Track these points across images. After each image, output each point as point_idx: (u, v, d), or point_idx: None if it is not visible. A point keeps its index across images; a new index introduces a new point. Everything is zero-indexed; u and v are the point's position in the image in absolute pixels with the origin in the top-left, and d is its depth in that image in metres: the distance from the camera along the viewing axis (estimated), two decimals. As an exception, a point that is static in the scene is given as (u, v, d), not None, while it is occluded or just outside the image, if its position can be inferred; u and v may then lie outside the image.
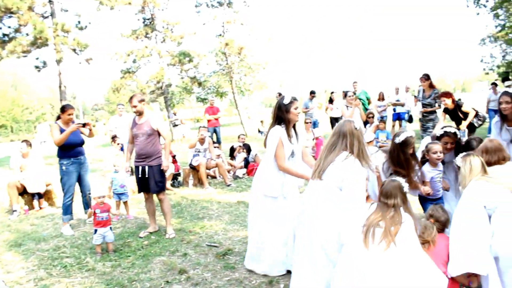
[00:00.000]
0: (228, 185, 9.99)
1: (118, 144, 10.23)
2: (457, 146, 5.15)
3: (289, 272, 4.54)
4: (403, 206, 3.58)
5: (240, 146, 11.88)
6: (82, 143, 7.14)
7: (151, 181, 6.50)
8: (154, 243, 6.18)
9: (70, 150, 6.93)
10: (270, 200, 4.67)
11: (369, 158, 3.94)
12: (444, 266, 3.66)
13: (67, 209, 7.02)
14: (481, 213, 3.53)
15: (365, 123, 12.46)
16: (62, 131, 6.84)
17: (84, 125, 6.91)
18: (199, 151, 10.40)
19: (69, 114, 6.94)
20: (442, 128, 5.32)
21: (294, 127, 4.85)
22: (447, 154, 5.28)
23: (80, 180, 7.23)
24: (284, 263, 4.67)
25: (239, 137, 12.71)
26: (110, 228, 5.97)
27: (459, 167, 4.04)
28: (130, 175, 8.68)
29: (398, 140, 4.55)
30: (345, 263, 3.49)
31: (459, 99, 8.81)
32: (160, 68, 24.94)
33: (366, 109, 13.40)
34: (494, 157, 4.14)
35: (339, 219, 3.73)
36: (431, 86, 9.46)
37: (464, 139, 8.23)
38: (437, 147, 4.86)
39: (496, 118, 5.49)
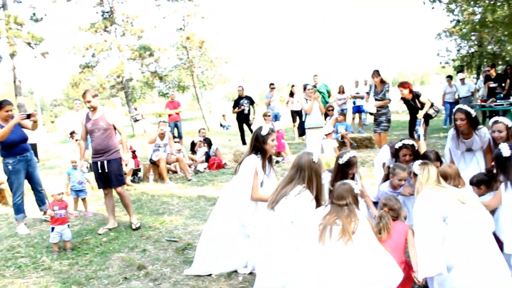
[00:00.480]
0: (189, 180, 9.94)
1: (76, 140, 10.00)
2: (416, 157, 5.21)
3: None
4: (355, 205, 3.69)
5: (201, 140, 11.83)
6: (25, 139, 6.90)
7: (111, 175, 6.46)
8: (113, 239, 6.11)
9: (13, 148, 6.66)
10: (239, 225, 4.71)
11: (323, 194, 4.09)
12: (402, 253, 3.79)
13: (19, 208, 6.83)
14: (434, 220, 3.64)
15: (325, 115, 12.64)
16: (1, 127, 6.60)
17: (28, 116, 6.67)
18: (159, 146, 10.30)
19: (7, 111, 6.65)
20: (401, 141, 5.49)
21: (270, 158, 4.87)
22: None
23: (29, 177, 7.02)
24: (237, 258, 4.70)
25: (199, 131, 12.67)
26: (68, 225, 5.86)
27: (415, 174, 4.16)
28: (88, 171, 8.53)
29: (341, 161, 4.63)
30: (301, 264, 3.56)
31: (417, 91, 9.09)
32: (120, 62, 24.48)
33: (326, 102, 13.58)
34: (453, 183, 4.23)
35: (292, 253, 3.79)
36: (382, 81, 9.68)
37: (421, 128, 8.56)
38: (404, 175, 4.84)
39: (452, 131, 5.69)
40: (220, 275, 4.58)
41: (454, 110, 5.60)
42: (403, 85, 8.75)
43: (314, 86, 13.65)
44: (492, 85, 13.56)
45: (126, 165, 6.44)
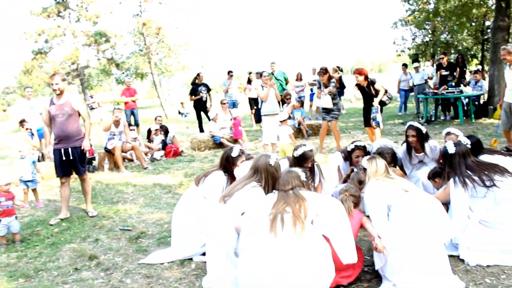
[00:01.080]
0: (145, 168, 9.81)
1: (27, 129, 9.65)
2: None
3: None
4: (302, 188, 3.72)
5: (157, 128, 11.67)
6: None
7: (77, 162, 6.41)
8: (64, 230, 5.96)
9: None
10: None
11: None
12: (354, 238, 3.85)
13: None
14: (380, 211, 3.78)
15: (282, 102, 12.70)
16: None
17: None
18: (114, 134, 10.10)
19: None
20: (352, 143, 5.61)
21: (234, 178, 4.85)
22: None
23: None
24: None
25: (156, 119, 12.50)
26: (16, 217, 5.66)
27: (365, 169, 4.27)
28: (39, 160, 8.28)
29: (295, 154, 4.67)
30: (248, 257, 3.45)
31: (373, 78, 9.19)
32: (74, 48, 23.80)
33: (283, 89, 13.64)
34: None
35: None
36: (330, 78, 9.77)
37: (379, 115, 8.69)
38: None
39: (404, 147, 5.84)
40: (173, 263, 4.56)
41: (406, 126, 5.71)
42: (358, 71, 8.84)
43: (272, 73, 13.69)
44: (444, 73, 13.96)
45: (85, 152, 6.40)
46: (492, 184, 4.10)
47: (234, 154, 4.73)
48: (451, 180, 4.29)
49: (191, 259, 4.61)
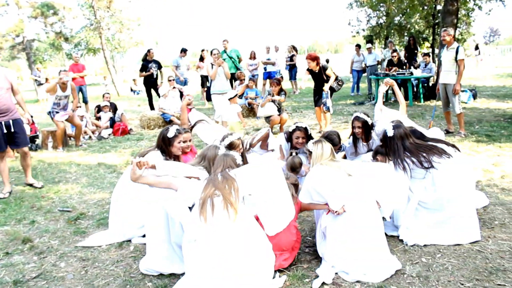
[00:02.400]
0: (80, 145, 9.67)
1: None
2: (308, 140, 5.36)
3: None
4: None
5: (106, 105, 11.28)
6: None
7: (19, 135, 6.38)
8: (-1, 212, 5.67)
9: None
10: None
11: None
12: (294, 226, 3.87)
13: None
14: (321, 195, 3.73)
15: (234, 80, 12.55)
16: None
17: None
18: (60, 99, 9.30)
19: None
20: (294, 124, 5.56)
21: (176, 158, 4.70)
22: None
23: None
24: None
25: (104, 96, 12.08)
26: None
27: (310, 152, 4.23)
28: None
29: (223, 144, 4.57)
30: (188, 246, 3.35)
31: (327, 59, 9.24)
32: (19, 20, 22.55)
33: (237, 68, 13.47)
34: None
35: None
36: (281, 90, 9.80)
37: (329, 100, 8.73)
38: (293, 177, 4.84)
39: (349, 140, 5.90)
40: (111, 245, 4.41)
41: (352, 117, 5.69)
42: (310, 56, 8.87)
43: (224, 51, 13.49)
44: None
45: (28, 123, 6.84)
46: (430, 166, 4.16)
47: (170, 134, 4.57)
48: (391, 162, 4.33)
49: (130, 240, 4.48)
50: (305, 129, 5.47)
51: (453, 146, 4.42)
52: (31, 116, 7.15)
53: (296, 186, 4.15)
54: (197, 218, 3.29)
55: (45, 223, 5.16)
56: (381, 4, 24.25)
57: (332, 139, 5.28)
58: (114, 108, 11.37)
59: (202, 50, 15.36)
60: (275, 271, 3.60)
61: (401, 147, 4.29)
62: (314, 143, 4.13)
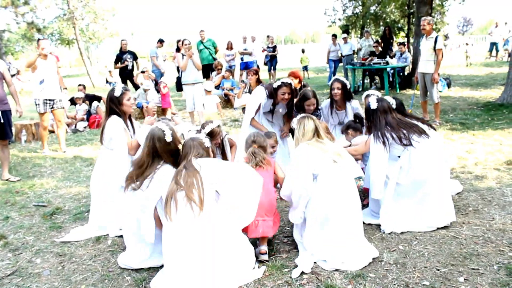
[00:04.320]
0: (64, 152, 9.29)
1: None
2: (293, 97, 5.53)
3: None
4: (204, 155, 3.57)
5: (80, 97, 11.07)
6: None
7: (6, 127, 6.43)
8: (-28, 208, 5.53)
9: None
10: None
11: None
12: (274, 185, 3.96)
13: None
14: (304, 177, 3.70)
15: (211, 71, 12.46)
16: None
17: None
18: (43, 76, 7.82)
19: None
20: (279, 80, 5.54)
21: (130, 118, 4.64)
22: (282, 105, 5.68)
23: None
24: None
25: (78, 88, 11.87)
26: None
27: (292, 130, 4.23)
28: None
29: (203, 132, 4.52)
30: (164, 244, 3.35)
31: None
32: (-13, 10, 21.89)
33: (213, 59, 13.37)
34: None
35: None
36: (258, 81, 9.71)
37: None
38: (272, 142, 5.04)
39: (326, 102, 5.93)
40: (88, 239, 4.35)
41: (331, 81, 5.78)
42: (294, 74, 8.77)
43: (201, 42, 13.37)
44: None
45: (19, 116, 6.92)
46: (409, 144, 4.16)
47: (117, 93, 4.44)
48: (372, 135, 4.32)
49: (107, 235, 4.42)
50: (290, 84, 5.50)
51: (430, 125, 4.47)
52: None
53: (265, 148, 4.06)
54: (163, 216, 3.29)
55: (20, 219, 5.06)
56: (357, -6, 24.36)
57: (306, 94, 5.39)
58: (90, 99, 11.10)
59: (178, 41, 15.17)
60: (257, 240, 3.73)
61: (383, 121, 4.29)
62: (298, 120, 4.04)
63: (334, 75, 16.82)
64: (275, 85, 5.56)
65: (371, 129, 4.44)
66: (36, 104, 7.92)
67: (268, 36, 16.96)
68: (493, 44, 21.68)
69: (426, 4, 13.81)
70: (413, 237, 3.96)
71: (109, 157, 4.48)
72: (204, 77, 12.78)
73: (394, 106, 4.50)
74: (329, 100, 5.90)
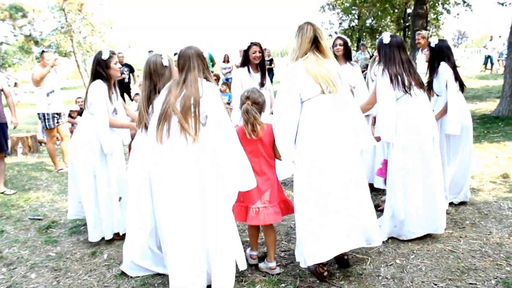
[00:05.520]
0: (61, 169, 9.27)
1: None
2: (263, 56, 5.89)
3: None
4: (203, 73, 3.17)
5: (77, 110, 11.07)
6: None
7: (2, 139, 6.43)
8: (-34, 221, 5.49)
9: None
10: (101, 158, 4.39)
11: None
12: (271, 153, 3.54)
13: None
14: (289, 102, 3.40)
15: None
16: None
17: None
18: (51, 92, 7.47)
19: None
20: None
21: (115, 84, 4.56)
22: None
23: None
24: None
25: (76, 100, 11.87)
26: None
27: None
28: None
29: None
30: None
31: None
32: (-15, 23, 22.00)
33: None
34: None
35: None
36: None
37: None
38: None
39: None
40: (84, 253, 4.32)
41: (334, 38, 5.82)
42: None
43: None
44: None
45: (14, 127, 6.97)
46: (409, 90, 4.00)
47: (105, 56, 4.30)
48: (380, 70, 4.09)
49: (102, 248, 4.39)
50: (259, 43, 5.77)
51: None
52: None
53: (260, 105, 3.50)
54: (153, 136, 3.13)
55: (15, 233, 5.02)
56: (353, 8, 24.60)
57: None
58: (86, 113, 11.10)
59: (175, 54, 15.26)
60: (269, 227, 3.59)
61: (398, 57, 4.04)
62: (298, 27, 3.44)
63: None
64: (244, 48, 5.86)
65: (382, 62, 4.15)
66: (45, 119, 7.47)
67: (265, 49, 17.03)
68: (488, 57, 21.85)
69: (421, 17, 13.96)
70: (410, 251, 3.95)
71: (90, 123, 4.36)
72: (201, 90, 12.84)
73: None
74: None
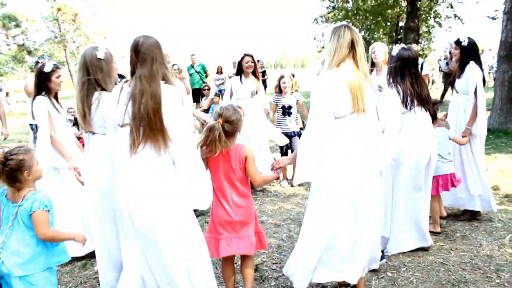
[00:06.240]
0: None
1: None
2: (256, 66, 6.29)
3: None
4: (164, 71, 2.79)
5: (70, 119, 11.04)
6: None
7: None
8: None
9: None
10: (56, 173, 4.33)
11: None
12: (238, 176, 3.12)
13: None
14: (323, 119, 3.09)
15: (201, 95, 12.51)
16: None
17: None
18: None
19: None
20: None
21: (56, 96, 4.48)
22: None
23: None
24: None
25: (68, 111, 11.83)
26: None
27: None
28: None
29: None
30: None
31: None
32: (-22, 32, 21.97)
33: (203, 82, 13.47)
34: None
35: None
36: None
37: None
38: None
39: None
40: (74, 266, 4.28)
41: None
42: None
43: (191, 66, 13.49)
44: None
45: (5, 138, 6.91)
46: (410, 108, 3.98)
47: (47, 69, 4.25)
48: (389, 81, 4.05)
49: (94, 261, 4.35)
50: (251, 55, 6.17)
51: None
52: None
53: (234, 125, 3.06)
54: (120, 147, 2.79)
55: None
56: (346, 20, 24.82)
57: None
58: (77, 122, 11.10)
59: (174, 65, 15.32)
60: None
61: (404, 70, 3.98)
62: (332, 30, 3.07)
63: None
64: (238, 59, 6.27)
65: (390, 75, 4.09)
66: (37, 129, 7.62)
67: (258, 61, 17.12)
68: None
69: (413, 31, 14.12)
70: (401, 263, 3.95)
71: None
72: (194, 101, 12.87)
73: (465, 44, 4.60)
74: None
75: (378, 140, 3.17)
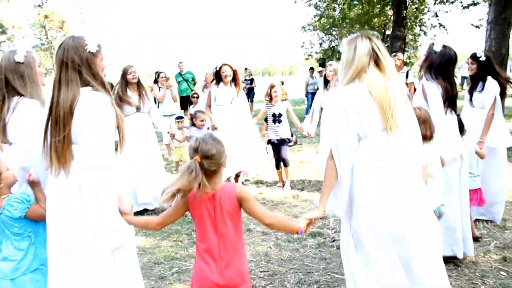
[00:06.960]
0: None
1: None
2: (235, 75, 6.37)
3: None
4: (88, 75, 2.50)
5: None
6: None
7: None
8: None
9: None
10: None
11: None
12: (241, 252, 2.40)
13: None
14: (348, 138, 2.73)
15: (189, 103, 12.49)
16: None
17: None
18: None
19: None
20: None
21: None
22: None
23: None
24: None
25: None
26: None
27: None
28: None
29: None
30: None
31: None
32: (-37, 38, 21.79)
33: (191, 90, 13.45)
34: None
35: None
36: None
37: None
38: (204, 116, 6.09)
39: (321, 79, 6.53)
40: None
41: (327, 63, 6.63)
42: None
43: (179, 74, 13.49)
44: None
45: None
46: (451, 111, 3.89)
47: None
48: (423, 79, 3.91)
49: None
50: (229, 64, 6.25)
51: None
52: None
53: (216, 163, 2.30)
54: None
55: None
56: (333, 28, 25.02)
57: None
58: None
59: (156, 72, 15.29)
60: None
61: (444, 67, 3.82)
62: (347, 42, 2.79)
63: (311, 107, 17.06)
64: (217, 68, 6.31)
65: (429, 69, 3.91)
66: None
67: (245, 69, 17.21)
68: (464, 78, 22.41)
69: (399, 39, 14.30)
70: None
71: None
72: (182, 109, 12.85)
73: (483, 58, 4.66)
74: (322, 79, 6.76)
75: (418, 168, 2.74)
